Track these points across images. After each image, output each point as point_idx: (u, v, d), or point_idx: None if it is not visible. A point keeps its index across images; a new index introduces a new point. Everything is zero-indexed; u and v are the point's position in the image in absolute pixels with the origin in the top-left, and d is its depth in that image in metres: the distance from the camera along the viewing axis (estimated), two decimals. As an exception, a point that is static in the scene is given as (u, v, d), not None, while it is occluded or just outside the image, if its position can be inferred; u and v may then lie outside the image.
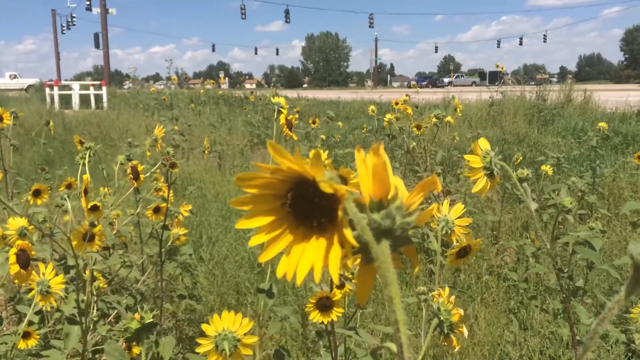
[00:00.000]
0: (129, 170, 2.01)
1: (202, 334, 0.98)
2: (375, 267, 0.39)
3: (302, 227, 0.42)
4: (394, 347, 0.43)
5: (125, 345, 1.54)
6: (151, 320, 1.01)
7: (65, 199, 1.65)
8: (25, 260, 1.34)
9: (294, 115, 1.76)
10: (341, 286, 1.53)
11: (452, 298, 1.00)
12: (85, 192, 1.71)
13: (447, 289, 1.01)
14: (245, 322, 0.98)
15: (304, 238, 0.41)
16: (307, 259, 0.40)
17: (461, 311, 0.99)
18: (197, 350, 0.98)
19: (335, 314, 1.39)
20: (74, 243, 1.54)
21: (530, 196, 1.19)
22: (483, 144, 1.10)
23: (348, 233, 0.38)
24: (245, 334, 0.98)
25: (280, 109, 1.71)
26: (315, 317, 1.38)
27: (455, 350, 1.00)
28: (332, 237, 0.40)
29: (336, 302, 1.38)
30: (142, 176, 2.08)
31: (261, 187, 0.41)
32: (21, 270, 1.34)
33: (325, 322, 1.40)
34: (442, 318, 0.97)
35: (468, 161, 1.09)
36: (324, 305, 1.39)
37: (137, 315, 1.01)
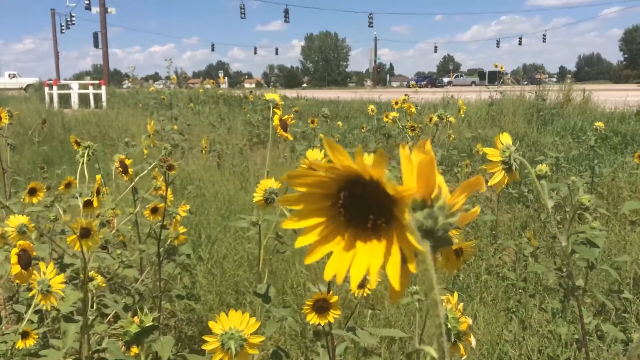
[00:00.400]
0: (117, 164, 2.00)
1: (202, 333, 0.98)
2: (413, 269, 0.38)
3: (352, 228, 0.40)
4: (432, 351, 0.42)
5: (125, 348, 1.53)
6: (151, 323, 1.00)
7: (77, 197, 1.65)
8: (26, 260, 1.34)
9: (290, 114, 1.72)
10: (361, 285, 1.51)
11: (461, 305, 0.99)
12: (98, 192, 1.71)
13: (455, 295, 1.00)
14: (252, 321, 0.98)
15: (355, 240, 0.40)
16: (361, 261, 0.39)
17: (469, 320, 0.98)
18: (203, 347, 0.97)
19: (332, 315, 1.38)
20: (69, 239, 1.54)
21: (548, 193, 1.18)
22: (505, 138, 1.09)
23: (413, 238, 0.37)
24: (251, 334, 0.97)
25: (275, 107, 1.67)
26: (312, 319, 1.37)
27: (463, 359, 0.99)
28: (391, 240, 0.38)
29: (333, 304, 1.37)
30: (131, 170, 2.07)
31: (312, 185, 0.40)
32: (22, 270, 1.33)
33: (322, 324, 1.39)
34: (449, 326, 0.96)
35: (486, 154, 1.08)
36: (321, 307, 1.37)
37: (136, 319, 1.01)
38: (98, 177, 1.70)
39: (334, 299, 1.37)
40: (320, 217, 0.41)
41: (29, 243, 1.37)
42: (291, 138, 1.71)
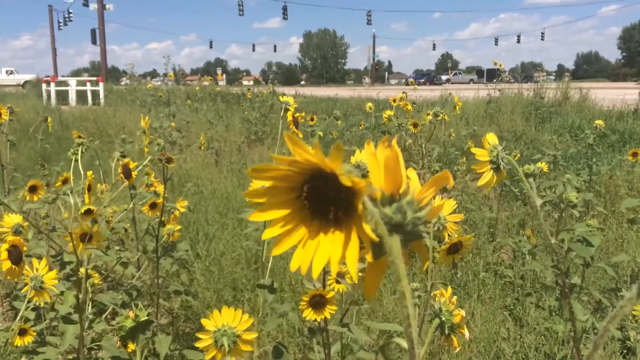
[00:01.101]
0: (120, 170, 2.00)
1: (199, 330, 0.98)
2: (385, 262, 0.39)
3: (317, 220, 0.41)
4: (403, 342, 0.43)
5: (120, 343, 1.54)
6: (146, 318, 1.01)
7: (68, 195, 1.65)
8: (17, 256, 1.33)
9: (301, 113, 1.77)
10: (337, 281, 1.52)
11: (454, 299, 1.00)
12: (89, 188, 1.71)
13: (449, 289, 1.01)
14: (245, 318, 0.98)
15: (319, 231, 0.41)
16: (323, 252, 0.40)
17: (463, 312, 0.99)
18: (197, 344, 0.98)
19: (328, 311, 1.39)
20: (70, 245, 1.54)
21: (536, 192, 1.19)
22: (491, 138, 1.10)
23: (368, 227, 0.38)
24: (244, 330, 0.98)
25: (288, 107, 1.73)
26: (309, 314, 1.38)
27: (456, 350, 1.00)
28: (350, 230, 0.39)
29: (329, 299, 1.38)
30: (134, 173, 2.07)
31: (276, 179, 0.41)
32: (13, 266, 1.33)
33: (318, 320, 1.40)
34: (443, 319, 0.97)
35: (475, 154, 1.09)
36: (317, 303, 1.38)
37: (131, 314, 1.01)
38: (89, 173, 1.70)
39: (331, 294, 1.38)
40: (285, 209, 0.42)
41: (20, 239, 1.37)
42: (301, 135, 1.76)
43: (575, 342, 1.49)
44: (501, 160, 1.08)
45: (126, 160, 2.08)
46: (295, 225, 0.42)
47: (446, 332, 0.97)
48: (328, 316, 1.40)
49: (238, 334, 0.97)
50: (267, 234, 0.42)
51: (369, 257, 0.39)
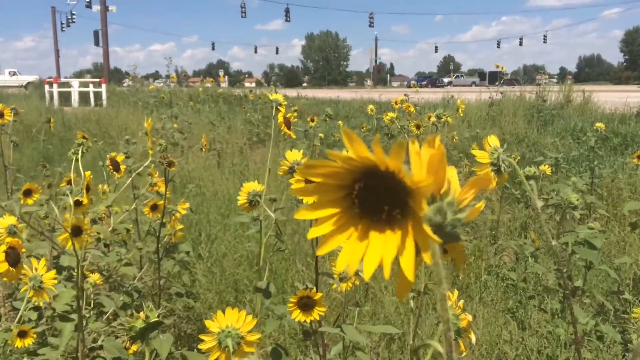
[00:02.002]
0: (108, 162, 2.00)
1: (201, 331, 0.97)
2: (417, 263, 0.38)
3: (366, 219, 0.40)
4: (439, 346, 0.42)
5: (129, 343, 1.53)
6: (156, 319, 1.00)
7: (67, 195, 1.64)
8: (14, 258, 1.33)
9: (293, 113, 1.73)
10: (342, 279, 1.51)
11: (461, 303, 0.99)
12: (87, 188, 1.70)
13: (455, 292, 1.00)
14: (248, 319, 0.97)
15: (368, 231, 0.40)
16: (374, 252, 0.39)
17: (469, 317, 0.98)
18: (200, 346, 0.97)
19: (317, 313, 1.37)
20: (59, 238, 1.53)
21: (537, 194, 1.19)
22: (492, 140, 1.10)
23: (428, 228, 0.37)
24: (248, 331, 0.97)
25: (279, 106, 1.69)
26: (297, 316, 1.36)
27: (463, 355, 0.99)
28: (406, 231, 0.38)
29: (317, 301, 1.37)
30: (123, 167, 2.07)
31: (327, 176, 0.40)
32: (10, 268, 1.32)
33: (308, 321, 1.38)
34: (441, 325, 0.96)
35: (476, 156, 1.09)
36: (305, 304, 1.37)
37: (142, 314, 1.01)
38: (87, 173, 1.69)
39: (318, 295, 1.36)
40: (334, 208, 0.41)
41: (18, 240, 1.36)
42: (294, 136, 1.72)
43: (577, 343, 1.49)
44: (502, 163, 1.08)
45: (113, 154, 2.07)
46: (343, 225, 0.41)
47: (453, 336, 0.96)
48: (317, 317, 1.38)
49: (242, 335, 0.96)
50: (314, 233, 0.41)
51: (427, 259, 0.38)
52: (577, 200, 1.45)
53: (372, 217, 0.40)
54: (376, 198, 0.39)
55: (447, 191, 0.40)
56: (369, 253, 0.39)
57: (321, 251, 0.41)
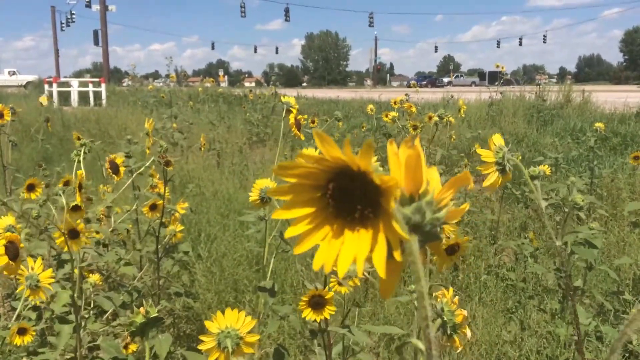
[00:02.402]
0: (107, 165, 2.00)
1: (201, 331, 0.97)
2: (401, 263, 0.39)
3: (341, 218, 0.41)
4: (420, 344, 0.43)
5: (130, 339, 1.53)
6: (156, 314, 1.01)
7: (60, 195, 1.64)
8: (14, 251, 1.33)
9: (303, 115, 1.77)
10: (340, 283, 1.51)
11: (456, 299, 1.00)
12: (80, 187, 1.70)
13: (450, 290, 1.01)
14: (248, 320, 0.97)
15: (342, 230, 0.41)
16: (348, 251, 0.39)
17: (465, 312, 0.99)
18: (199, 347, 0.97)
19: (328, 312, 1.38)
20: (57, 241, 1.53)
21: (541, 194, 1.19)
22: (497, 139, 1.10)
23: (398, 226, 0.37)
24: (247, 332, 0.97)
25: (290, 108, 1.71)
26: (308, 315, 1.37)
27: (458, 350, 1.00)
28: (377, 229, 0.39)
29: (328, 300, 1.37)
30: (122, 169, 2.06)
31: (301, 176, 0.41)
32: (10, 262, 1.33)
33: (318, 320, 1.39)
34: (445, 319, 0.96)
35: (480, 155, 1.09)
36: (317, 303, 1.37)
37: (142, 310, 1.01)
38: (80, 172, 1.69)
39: (330, 295, 1.37)
40: (309, 207, 0.42)
41: (17, 235, 1.37)
42: (303, 137, 1.75)
43: (580, 344, 1.49)
44: (507, 162, 1.08)
45: (112, 155, 2.07)
46: (318, 224, 0.42)
47: (448, 332, 0.97)
48: (327, 317, 1.39)
49: (241, 335, 0.96)
50: (290, 232, 0.42)
51: (397, 256, 0.38)
52: (583, 200, 1.44)
53: (346, 216, 0.41)
54: (350, 197, 0.40)
55: (426, 191, 0.40)
56: (343, 251, 0.40)
57: (298, 250, 0.42)
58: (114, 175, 2.03)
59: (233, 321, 0.97)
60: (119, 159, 2.05)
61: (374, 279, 1.52)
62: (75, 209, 1.70)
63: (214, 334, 0.96)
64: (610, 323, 2.30)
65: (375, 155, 0.48)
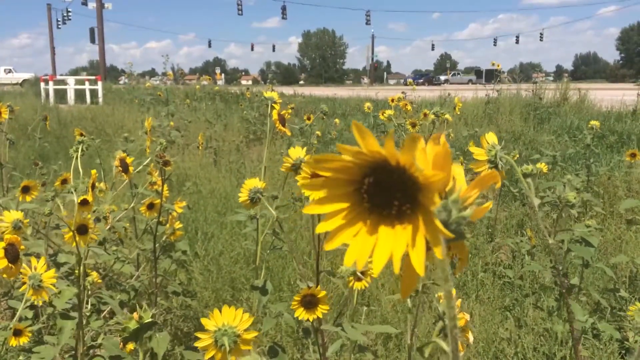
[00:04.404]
0: (117, 163, 1.99)
1: (198, 330, 0.97)
2: (440, 254, 0.38)
3: (375, 214, 0.40)
4: (444, 344, 0.42)
5: (123, 344, 1.53)
6: (150, 319, 1.00)
7: (72, 193, 1.64)
8: (14, 254, 1.32)
9: (287, 110, 1.73)
10: (359, 279, 1.50)
11: (459, 302, 0.99)
12: (93, 186, 1.70)
13: (453, 291, 1.00)
14: (245, 317, 0.97)
15: (377, 226, 0.40)
16: (384, 247, 0.38)
17: (467, 316, 0.98)
18: (196, 344, 0.96)
19: (320, 311, 1.36)
20: (67, 236, 1.53)
21: (534, 192, 1.19)
22: (490, 137, 1.10)
23: (439, 224, 0.37)
24: (245, 330, 0.97)
25: (273, 103, 1.68)
26: (301, 314, 1.36)
27: (461, 354, 0.99)
28: (417, 226, 0.38)
29: (321, 299, 1.36)
30: (131, 168, 2.06)
31: (336, 170, 0.40)
32: (10, 264, 1.32)
33: (311, 320, 1.37)
34: (446, 322, 0.96)
35: (473, 153, 1.09)
36: (309, 302, 1.36)
37: (135, 315, 1.00)
38: (93, 172, 1.69)
39: (322, 294, 1.36)
40: (343, 202, 0.41)
41: (17, 237, 1.36)
42: (289, 133, 1.72)
43: (575, 342, 1.49)
44: (499, 160, 1.08)
45: (123, 154, 2.07)
46: (352, 219, 0.41)
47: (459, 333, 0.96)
48: (320, 315, 1.37)
49: (239, 333, 0.96)
50: (323, 228, 0.41)
51: (438, 254, 0.37)
52: (575, 198, 1.45)
53: (382, 212, 0.40)
54: (386, 193, 0.39)
55: (452, 189, 0.40)
56: (379, 248, 0.39)
57: (329, 246, 0.41)
58: (124, 173, 2.02)
59: (230, 319, 0.96)
60: (129, 158, 2.05)
61: (367, 279, 1.52)
62: (85, 202, 1.70)
63: (211, 332, 0.96)
64: (607, 320, 2.31)
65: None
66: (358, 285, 1.51)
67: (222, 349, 0.95)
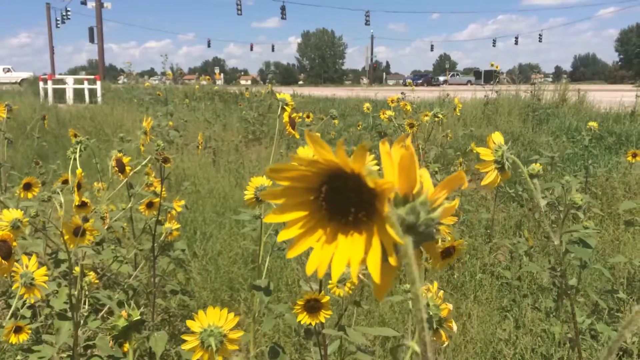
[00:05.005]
0: (113, 163, 1.99)
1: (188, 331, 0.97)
2: (393, 262, 0.38)
3: (335, 222, 0.40)
4: (415, 346, 0.42)
5: (114, 342, 1.53)
6: (138, 318, 1.00)
7: (58, 193, 1.64)
8: (6, 251, 1.32)
9: (298, 113, 1.73)
10: (341, 281, 1.51)
11: (441, 293, 1.00)
12: (79, 186, 1.70)
13: (435, 284, 1.01)
14: (230, 317, 0.96)
15: (336, 233, 0.40)
16: (342, 254, 0.39)
17: (450, 306, 0.98)
18: (182, 346, 0.96)
19: (323, 315, 1.36)
20: (65, 237, 1.53)
21: (540, 192, 1.19)
22: (497, 137, 1.10)
23: (391, 230, 0.37)
24: (231, 329, 0.97)
25: (285, 105, 1.68)
26: (304, 319, 1.36)
27: (445, 345, 1.00)
28: (371, 232, 0.38)
29: (324, 304, 1.36)
30: (128, 168, 2.06)
31: (294, 179, 0.40)
32: (2, 261, 1.32)
33: (313, 324, 1.37)
34: (430, 313, 0.96)
35: (479, 153, 1.09)
36: (312, 307, 1.36)
37: (124, 313, 1.00)
38: (79, 171, 1.68)
39: (326, 299, 1.36)
40: (302, 210, 0.41)
41: (9, 234, 1.35)
42: (298, 136, 1.72)
43: (576, 343, 1.49)
44: (506, 160, 1.08)
45: (119, 154, 2.07)
46: (311, 227, 0.41)
47: (434, 326, 0.97)
48: (323, 320, 1.37)
49: (225, 333, 0.96)
50: (283, 236, 0.42)
51: (392, 261, 0.38)
52: (581, 200, 1.45)
53: (340, 219, 0.40)
54: (343, 200, 0.39)
55: (420, 191, 0.40)
56: (337, 255, 0.39)
57: (291, 254, 0.41)
58: (120, 174, 2.02)
59: (215, 319, 0.96)
60: (126, 158, 2.04)
61: (367, 280, 1.53)
62: (82, 205, 1.70)
63: (196, 333, 0.96)
64: (605, 321, 2.31)
65: (372, 154, 0.48)
66: (340, 292, 1.51)
67: (209, 350, 0.95)
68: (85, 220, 1.66)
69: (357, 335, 1.43)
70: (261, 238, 1.77)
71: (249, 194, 1.50)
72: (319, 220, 0.41)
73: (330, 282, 1.51)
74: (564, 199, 1.73)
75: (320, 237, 0.41)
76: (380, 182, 0.37)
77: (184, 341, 0.97)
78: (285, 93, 1.79)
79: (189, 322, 0.96)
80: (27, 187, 2.07)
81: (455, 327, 0.98)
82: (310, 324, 1.37)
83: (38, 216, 1.76)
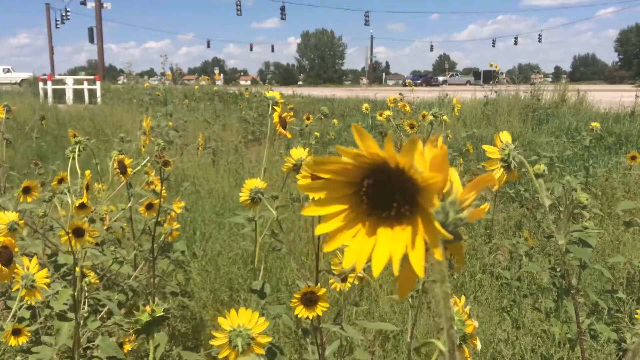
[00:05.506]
0: (115, 164, 1.99)
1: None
2: (440, 256, 0.38)
3: (374, 216, 0.40)
4: (441, 345, 0.42)
5: (135, 337, 1.53)
6: (162, 313, 1.00)
7: (66, 194, 1.63)
8: (7, 257, 1.31)
9: (289, 112, 1.71)
10: (344, 279, 1.50)
11: (467, 308, 0.99)
12: (87, 187, 1.70)
13: (463, 298, 1.00)
14: (261, 321, 0.97)
15: (376, 228, 0.40)
16: (383, 248, 0.39)
17: (476, 323, 0.97)
18: (211, 342, 0.97)
19: (320, 308, 1.36)
20: (63, 238, 1.53)
21: (545, 192, 1.18)
22: (504, 136, 1.09)
23: (439, 225, 0.37)
24: (259, 333, 0.97)
25: (275, 105, 1.66)
26: (300, 312, 1.35)
27: (467, 360, 0.98)
28: (415, 227, 0.38)
29: (321, 296, 1.36)
30: (129, 169, 2.06)
31: (336, 172, 0.40)
32: (3, 267, 1.31)
33: (310, 317, 1.37)
34: (456, 328, 0.95)
35: (485, 151, 1.08)
36: (309, 300, 1.35)
37: (148, 308, 1.00)
38: (87, 172, 1.69)
39: (322, 291, 1.35)
40: (342, 204, 0.41)
41: (11, 240, 1.35)
42: (290, 136, 1.71)
43: (580, 344, 1.49)
44: (512, 159, 1.08)
45: (121, 156, 2.06)
46: (350, 221, 0.41)
47: (458, 341, 0.96)
48: (320, 313, 1.36)
49: (253, 336, 0.96)
50: (322, 229, 0.41)
51: (438, 255, 0.38)
52: (587, 200, 1.45)
53: (381, 213, 0.40)
54: (385, 195, 0.39)
55: (450, 191, 0.40)
56: (378, 249, 0.39)
57: (328, 247, 0.41)
58: (121, 175, 2.02)
59: (246, 320, 0.97)
60: (125, 158, 2.04)
61: (369, 277, 1.52)
62: (82, 207, 1.70)
63: (225, 331, 0.96)
64: (605, 322, 2.31)
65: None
66: (343, 285, 1.51)
67: (235, 350, 0.95)
68: (92, 221, 1.66)
69: (354, 331, 1.43)
70: (256, 239, 1.76)
71: (244, 195, 1.50)
72: (359, 215, 0.41)
73: (330, 280, 1.51)
74: (565, 199, 1.73)
75: (358, 231, 0.40)
76: (427, 176, 0.37)
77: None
78: (275, 91, 1.76)
79: (220, 319, 0.96)
80: (27, 190, 2.06)
81: (479, 345, 0.97)
82: (307, 318, 1.37)
83: (46, 216, 1.76)
